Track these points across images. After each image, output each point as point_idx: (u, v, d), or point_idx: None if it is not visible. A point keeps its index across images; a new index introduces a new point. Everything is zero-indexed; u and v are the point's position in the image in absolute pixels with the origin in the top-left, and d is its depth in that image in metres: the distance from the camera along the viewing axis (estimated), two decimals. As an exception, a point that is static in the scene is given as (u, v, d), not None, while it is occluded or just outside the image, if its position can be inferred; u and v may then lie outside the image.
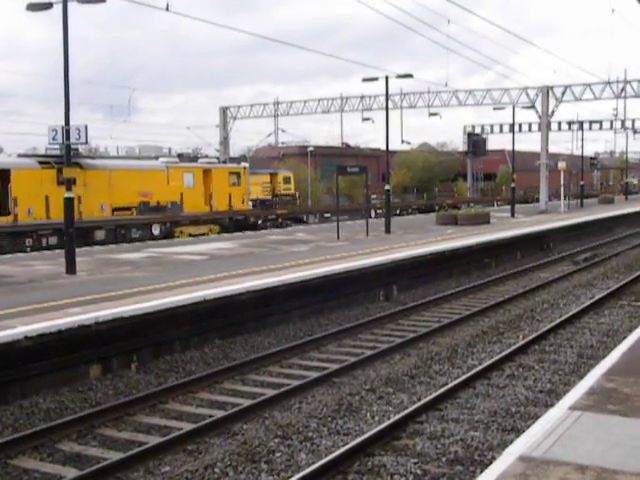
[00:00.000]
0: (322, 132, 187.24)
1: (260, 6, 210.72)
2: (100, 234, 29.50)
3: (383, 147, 30.79)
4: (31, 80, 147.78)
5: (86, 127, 15.73)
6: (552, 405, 8.12)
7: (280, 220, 41.23)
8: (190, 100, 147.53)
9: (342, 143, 72.53)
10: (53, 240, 27.32)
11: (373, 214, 48.50)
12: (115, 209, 32.45)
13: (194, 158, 42.41)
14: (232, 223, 37.14)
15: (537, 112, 43.72)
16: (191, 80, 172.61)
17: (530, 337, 13.12)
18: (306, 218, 44.33)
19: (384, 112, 28.93)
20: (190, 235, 32.99)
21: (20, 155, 33.60)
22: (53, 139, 16.10)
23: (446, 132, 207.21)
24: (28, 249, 26.06)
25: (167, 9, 18.14)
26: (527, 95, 43.97)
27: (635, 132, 69.07)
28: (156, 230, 32.52)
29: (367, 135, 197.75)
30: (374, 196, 58.66)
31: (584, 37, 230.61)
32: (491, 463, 5.86)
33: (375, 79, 29.18)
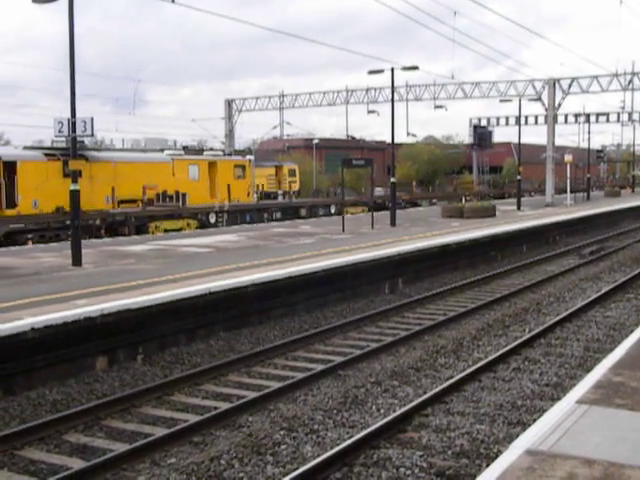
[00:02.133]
0: (330, 125, 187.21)
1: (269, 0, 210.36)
2: (303, 211, 41.39)
3: (388, 140, 30.73)
4: (41, 72, 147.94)
5: (92, 119, 15.70)
6: (558, 399, 8.11)
7: (403, 204, 49.75)
8: (198, 93, 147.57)
9: (347, 136, 72.44)
10: (278, 215, 39.09)
11: (464, 200, 54.35)
12: (120, 201, 32.47)
13: (199, 151, 42.44)
14: (375, 205, 47.18)
15: (543, 104, 43.55)
16: (200, 73, 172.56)
17: (536, 330, 13.09)
18: (420, 202, 53.18)
19: (389, 105, 28.85)
20: (352, 214, 40.63)
21: (26, 147, 33.67)
22: (59, 131, 16.08)
23: (452, 125, 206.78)
24: (265, 220, 37.12)
25: (173, 1, 18.06)
26: (534, 87, 43.80)
27: (642, 125, 68.73)
28: (332, 209, 43.61)
29: (373, 128, 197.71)
30: (379, 189, 58.62)
31: (593, 29, 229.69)
32: (497, 457, 5.85)
33: (381, 71, 29.07)
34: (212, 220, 34.81)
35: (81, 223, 27.21)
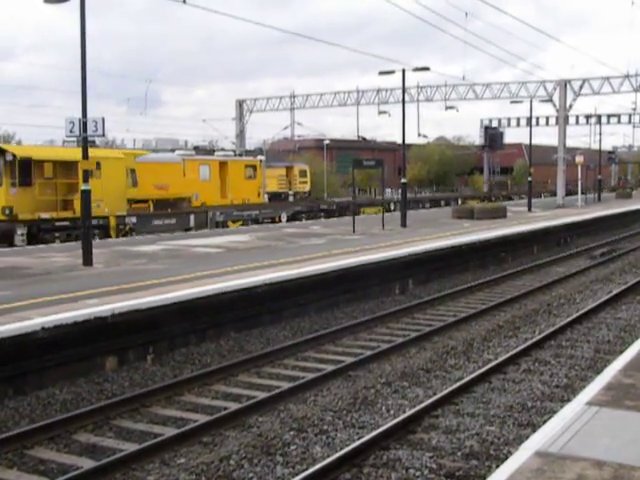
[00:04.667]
0: (343, 126, 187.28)
1: (292, 0, 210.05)
2: (442, 202, 52.14)
3: (399, 141, 30.71)
4: (57, 73, 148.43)
5: (103, 119, 15.73)
6: (569, 400, 8.08)
7: (501, 198, 59.52)
8: (213, 94, 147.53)
9: (358, 136, 72.32)
10: (427, 204, 51.25)
11: (542, 196, 62.59)
12: (133, 201, 32.49)
13: (210, 151, 42.57)
14: (486, 198, 55.74)
15: (555, 106, 43.42)
16: (217, 74, 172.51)
17: (546, 332, 13.04)
18: (513, 197, 64.27)
19: (400, 105, 28.83)
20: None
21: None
22: (70, 131, 16.12)
23: (463, 125, 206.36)
24: (419, 207, 47.10)
25: (184, 1, 18.10)
26: (545, 89, 43.68)
27: (654, 126, 68.38)
28: (450, 204, 52.25)
29: (384, 129, 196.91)
30: (389, 190, 58.65)
31: (605, 31, 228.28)
32: (507, 458, 5.84)
33: (392, 72, 29.03)
34: (392, 207, 45.76)
35: (322, 207, 42.92)
